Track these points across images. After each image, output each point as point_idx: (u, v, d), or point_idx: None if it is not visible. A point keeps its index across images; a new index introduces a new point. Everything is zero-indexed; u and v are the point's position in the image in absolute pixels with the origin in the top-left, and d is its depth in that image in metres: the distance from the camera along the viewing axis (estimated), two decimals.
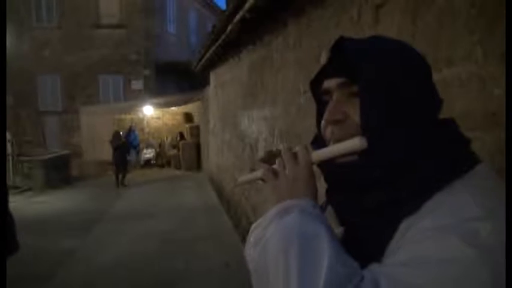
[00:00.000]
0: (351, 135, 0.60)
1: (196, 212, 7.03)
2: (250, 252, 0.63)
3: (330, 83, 0.66)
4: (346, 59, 0.63)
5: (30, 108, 13.31)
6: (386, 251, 0.56)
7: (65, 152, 11.02)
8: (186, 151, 12.16)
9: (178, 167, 12.37)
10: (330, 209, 0.72)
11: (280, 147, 0.71)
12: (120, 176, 9.65)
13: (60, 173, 10.14)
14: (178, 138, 12.94)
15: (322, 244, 0.54)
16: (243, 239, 5.13)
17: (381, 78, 0.59)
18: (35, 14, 13.26)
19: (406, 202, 0.56)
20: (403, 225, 0.55)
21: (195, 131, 12.44)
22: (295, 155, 0.66)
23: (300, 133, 2.81)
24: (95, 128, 11.54)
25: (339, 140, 0.62)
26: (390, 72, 0.59)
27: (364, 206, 0.61)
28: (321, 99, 0.71)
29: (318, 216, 0.59)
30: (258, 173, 0.70)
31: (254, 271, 0.62)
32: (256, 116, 4.25)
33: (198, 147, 12.16)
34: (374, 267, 0.54)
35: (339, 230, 0.67)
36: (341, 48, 0.65)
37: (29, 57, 13.32)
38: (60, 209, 7.64)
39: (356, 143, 0.58)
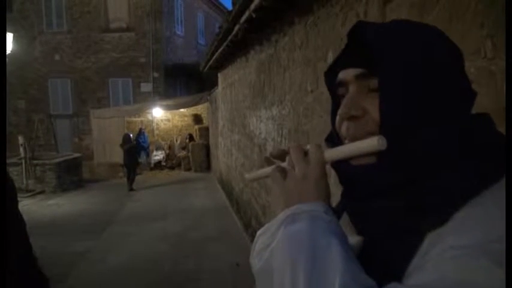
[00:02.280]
0: (369, 134, 0.54)
1: (206, 213, 7.05)
2: (254, 261, 0.57)
3: (346, 74, 0.59)
4: (365, 46, 0.55)
5: (42, 112, 13.51)
6: (409, 268, 0.49)
7: (77, 155, 11.14)
8: (195, 152, 12.20)
9: (188, 169, 12.42)
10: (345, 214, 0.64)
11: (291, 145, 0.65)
12: (130, 178, 9.73)
13: (72, 176, 10.26)
14: (187, 140, 12.99)
15: (335, 258, 0.47)
16: (253, 240, 5.11)
17: (404, 70, 0.52)
18: (45, 20, 13.45)
19: (431, 213, 0.49)
20: (427, 240, 0.48)
21: (204, 132, 12.47)
22: (305, 153, 0.59)
23: (307, 132, 2.79)
24: (106, 131, 11.64)
25: (355, 138, 0.56)
26: (415, 62, 0.52)
27: (383, 215, 0.53)
28: (336, 92, 0.63)
29: (330, 224, 0.52)
30: (268, 170, 0.64)
31: (258, 282, 0.56)
32: (265, 116, 4.24)
33: (207, 148, 12.20)
34: (393, 287, 0.47)
35: (355, 239, 0.59)
36: (359, 34, 0.57)
37: (40, 62, 13.53)
38: (73, 211, 7.72)
39: (373, 143, 0.51)
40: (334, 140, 0.63)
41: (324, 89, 2.41)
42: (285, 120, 3.44)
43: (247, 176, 0.74)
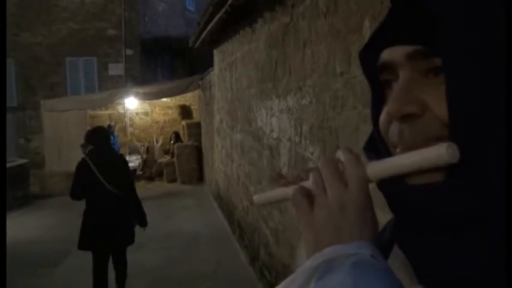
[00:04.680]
0: (433, 139, 0.50)
1: (198, 241, 7.08)
2: None
3: (393, 54, 0.55)
4: (421, 12, 0.50)
5: None
6: None
7: (22, 161, 11.21)
8: (183, 157, 12.23)
9: (172, 179, 12.46)
10: (397, 251, 0.60)
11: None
12: None
13: (15, 189, 10.32)
14: (172, 141, 13.03)
15: None
16: (262, 277, 5.13)
17: (482, 42, 0.47)
18: None
19: None
20: None
21: (195, 130, 12.49)
22: (340, 169, 0.54)
23: (336, 130, 2.79)
24: (62, 129, 11.68)
25: (411, 147, 0.52)
26: (498, 31, 0.46)
27: (459, 257, 0.49)
28: (377, 78, 0.59)
29: (380, 273, 0.47)
30: (285, 191, 0.61)
31: None
32: (278, 108, 4.25)
33: (199, 151, 12.22)
34: None
35: None
36: None
37: None
38: (17, 237, 7.77)
39: (441, 152, 0.46)
40: (377, 148, 0.60)
41: (358, 71, 2.41)
42: (305, 113, 3.45)
43: (256, 198, 0.72)
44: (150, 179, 13.05)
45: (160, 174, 12.99)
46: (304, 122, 3.46)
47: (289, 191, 0.58)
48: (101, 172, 4.43)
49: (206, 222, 8.21)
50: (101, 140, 4.75)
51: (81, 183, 4.48)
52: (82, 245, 4.56)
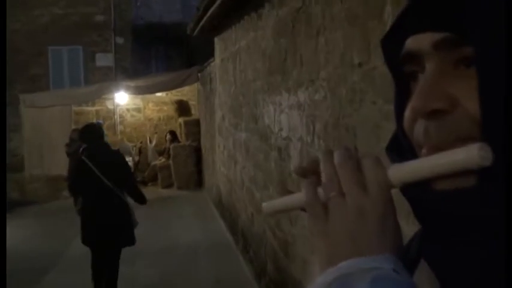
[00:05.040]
0: (462, 139, 0.50)
1: (197, 253, 7.10)
2: None
3: (419, 41, 0.55)
4: None
5: None
6: None
7: None
8: (179, 159, 12.22)
9: (168, 184, 12.46)
10: (423, 264, 0.59)
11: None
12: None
13: None
14: (168, 140, 13.02)
15: None
16: None
17: None
18: None
19: None
20: None
21: (194, 129, 12.48)
22: (359, 171, 0.54)
23: (353, 128, 2.79)
24: (44, 127, 11.69)
25: (438, 147, 0.52)
26: None
27: (494, 271, 0.48)
28: (401, 69, 0.60)
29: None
30: (298, 197, 0.60)
31: None
32: (287, 104, 4.25)
33: (198, 152, 12.22)
34: None
35: None
36: None
37: None
38: None
39: (472, 155, 0.46)
40: (402, 148, 0.60)
41: (379, 61, 2.41)
42: (318, 110, 3.45)
43: (265, 206, 0.71)
44: (143, 183, 13.01)
45: (154, 179, 12.99)
46: (317, 119, 3.46)
47: (302, 197, 0.58)
48: (100, 170, 4.78)
49: (206, 232, 8.22)
50: (96, 137, 5.08)
51: (78, 181, 5.00)
52: (84, 241, 5.08)
